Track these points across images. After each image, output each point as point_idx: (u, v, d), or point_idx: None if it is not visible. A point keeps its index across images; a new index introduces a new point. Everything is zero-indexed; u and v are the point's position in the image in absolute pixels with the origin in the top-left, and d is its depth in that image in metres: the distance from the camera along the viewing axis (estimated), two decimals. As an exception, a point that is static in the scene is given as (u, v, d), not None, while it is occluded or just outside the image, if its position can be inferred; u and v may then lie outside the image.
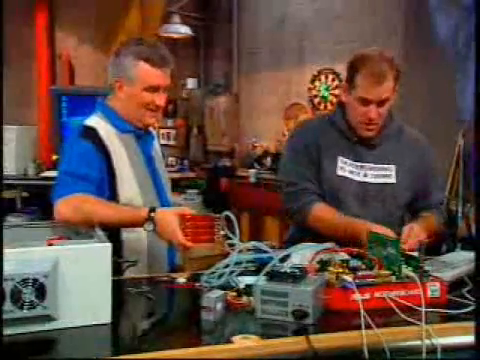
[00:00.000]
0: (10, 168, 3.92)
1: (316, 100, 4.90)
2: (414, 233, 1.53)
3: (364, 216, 1.66)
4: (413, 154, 1.77)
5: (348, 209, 1.69)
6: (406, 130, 1.82)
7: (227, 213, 1.39)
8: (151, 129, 1.75)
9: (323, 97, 4.86)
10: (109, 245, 1.10)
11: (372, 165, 1.73)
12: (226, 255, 1.36)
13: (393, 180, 1.73)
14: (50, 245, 1.17)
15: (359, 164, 1.72)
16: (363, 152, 1.73)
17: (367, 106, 1.63)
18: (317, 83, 4.88)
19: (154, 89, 1.58)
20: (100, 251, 1.09)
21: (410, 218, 1.81)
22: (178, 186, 4.95)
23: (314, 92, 4.91)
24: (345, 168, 1.72)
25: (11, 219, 3.43)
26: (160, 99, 1.59)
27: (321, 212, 1.69)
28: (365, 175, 1.72)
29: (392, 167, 1.74)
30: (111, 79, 1.61)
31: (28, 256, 1.03)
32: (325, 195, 1.73)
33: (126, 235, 1.55)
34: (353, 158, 1.73)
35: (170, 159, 5.38)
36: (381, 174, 1.73)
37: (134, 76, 1.56)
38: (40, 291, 1.00)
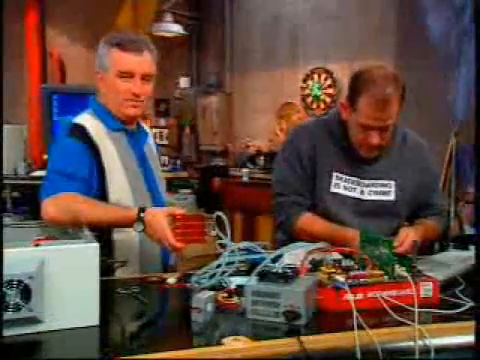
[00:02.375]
0: (0, 168, 3.88)
1: (308, 99, 4.90)
2: (409, 238, 1.47)
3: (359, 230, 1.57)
4: (415, 166, 1.69)
5: (344, 224, 1.62)
6: (409, 139, 1.73)
7: (218, 213, 1.37)
8: (144, 126, 1.72)
9: (315, 96, 4.86)
10: (97, 245, 1.08)
11: (370, 182, 1.65)
12: (218, 255, 1.34)
13: (392, 197, 1.65)
14: (37, 245, 1.15)
15: (355, 179, 1.65)
16: (361, 167, 1.65)
17: (369, 131, 1.54)
18: (310, 82, 4.89)
19: (128, 75, 1.52)
20: (87, 251, 1.07)
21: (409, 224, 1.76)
22: (171, 186, 4.93)
23: (307, 91, 4.92)
24: (340, 184, 1.64)
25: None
26: (137, 87, 1.52)
27: (306, 225, 1.63)
28: (362, 192, 1.64)
29: (392, 183, 1.66)
30: (95, 74, 1.59)
31: (13, 257, 1.00)
32: (319, 210, 1.65)
33: (117, 235, 1.52)
34: (350, 173, 1.64)
35: (163, 158, 5.36)
36: (379, 191, 1.65)
37: (107, 63, 1.53)
38: (25, 293, 0.98)
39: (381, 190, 1.65)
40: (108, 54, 1.53)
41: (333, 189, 1.64)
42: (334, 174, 1.64)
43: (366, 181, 1.65)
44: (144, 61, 1.53)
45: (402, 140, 1.71)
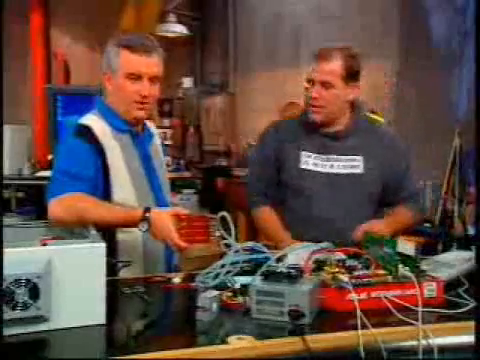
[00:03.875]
0: (4, 168, 3.90)
1: (312, 100, 4.90)
2: (375, 229, 1.56)
3: (333, 207, 1.71)
4: (383, 147, 1.78)
5: (317, 202, 1.72)
6: (375, 125, 1.89)
7: (223, 213, 1.38)
8: (150, 127, 1.72)
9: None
10: (103, 245, 1.09)
11: (339, 157, 1.75)
12: (222, 255, 1.35)
13: (361, 171, 1.74)
14: (44, 245, 1.16)
15: (325, 156, 1.75)
16: (331, 145, 1.75)
17: (312, 87, 1.71)
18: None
19: (137, 77, 1.52)
20: (94, 251, 1.08)
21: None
22: (174, 186, 4.94)
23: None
24: (309, 161, 1.75)
25: (5, 219, 3.40)
26: (145, 89, 1.52)
27: (259, 219, 1.82)
28: (331, 166, 1.74)
29: (360, 158, 1.75)
30: (101, 74, 1.59)
31: (21, 256, 1.01)
32: (292, 191, 1.78)
33: (121, 235, 1.53)
34: (319, 151, 1.75)
35: (166, 159, 5.37)
36: (348, 165, 1.74)
37: (116, 65, 1.53)
38: (33, 292, 0.99)
39: (350, 164, 1.75)
40: (117, 55, 1.54)
41: (302, 166, 1.75)
42: (302, 153, 1.76)
43: (335, 156, 1.75)
44: (153, 63, 1.54)
45: (368, 125, 1.85)
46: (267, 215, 1.82)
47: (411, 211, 1.82)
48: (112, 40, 1.58)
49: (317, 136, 1.76)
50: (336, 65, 1.67)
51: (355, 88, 1.72)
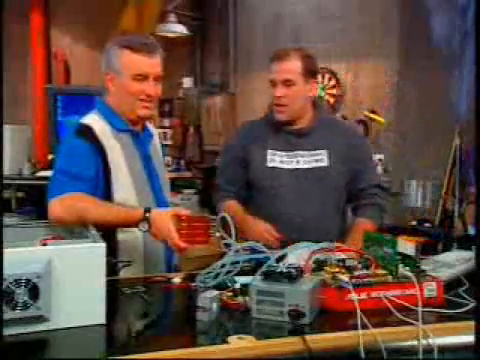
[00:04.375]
0: (5, 168, 3.90)
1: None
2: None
3: (300, 203, 1.77)
4: (345, 140, 1.85)
5: (284, 198, 1.78)
6: (338, 121, 2.03)
7: (223, 215, 1.38)
8: (150, 127, 1.72)
9: (319, 96, 4.85)
10: (103, 245, 1.09)
11: (304, 152, 1.81)
12: (223, 255, 1.35)
13: (326, 164, 1.81)
14: (44, 245, 1.16)
15: (291, 153, 1.81)
16: (296, 141, 1.82)
17: (274, 87, 1.76)
18: (313, 82, 4.88)
19: (142, 77, 1.54)
20: (94, 251, 1.08)
21: (352, 213, 1.90)
22: (174, 186, 4.93)
23: (310, 91, 4.91)
24: (275, 159, 1.81)
25: (5, 219, 3.40)
26: (150, 88, 1.55)
27: (227, 208, 1.79)
28: (297, 162, 1.81)
29: (324, 152, 1.82)
30: (103, 75, 1.60)
31: (21, 256, 1.01)
32: (260, 189, 1.82)
33: (122, 235, 1.53)
34: (285, 149, 1.81)
35: (166, 159, 5.37)
36: (313, 159, 1.81)
37: (120, 66, 1.54)
38: (33, 291, 0.99)
39: (315, 158, 1.82)
40: (119, 56, 1.54)
41: (269, 164, 1.81)
42: (269, 151, 1.82)
43: (300, 152, 1.82)
44: (156, 63, 1.56)
45: (330, 121, 1.94)
46: (232, 205, 1.85)
47: (371, 219, 1.83)
48: (112, 40, 1.58)
49: (282, 134, 1.83)
50: (294, 64, 1.75)
51: (314, 85, 1.81)
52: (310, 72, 1.78)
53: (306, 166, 1.80)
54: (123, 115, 1.59)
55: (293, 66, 1.75)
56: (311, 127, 1.83)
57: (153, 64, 1.55)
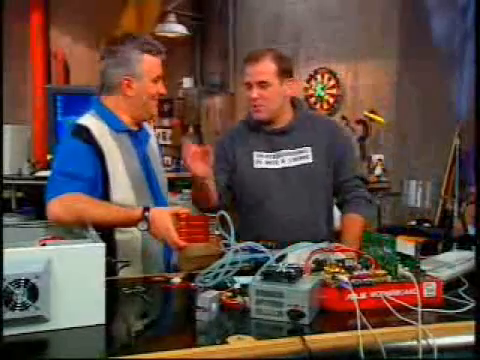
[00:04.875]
0: (4, 168, 3.89)
1: (312, 100, 4.90)
2: None
3: (289, 202, 1.78)
4: (327, 134, 1.87)
5: (272, 198, 1.79)
6: (318, 116, 2.03)
7: (222, 212, 1.38)
8: (147, 127, 1.73)
9: (319, 96, 4.86)
10: (103, 245, 1.09)
11: (289, 151, 1.83)
12: (222, 255, 1.35)
13: (310, 160, 1.83)
14: (43, 245, 1.16)
15: (276, 153, 1.83)
16: (278, 141, 1.84)
17: (250, 89, 1.78)
18: (313, 82, 4.88)
19: (158, 79, 1.63)
20: (93, 251, 1.08)
21: (339, 209, 1.90)
22: (174, 186, 4.93)
23: (310, 91, 4.91)
24: (261, 160, 1.83)
25: (5, 219, 3.39)
26: (163, 88, 1.65)
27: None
28: (283, 161, 1.82)
29: (308, 149, 1.84)
30: (115, 80, 1.58)
31: (20, 256, 1.01)
32: (248, 192, 1.82)
33: (119, 235, 1.53)
34: (269, 149, 1.83)
35: (166, 159, 5.36)
36: (299, 156, 1.83)
37: (142, 70, 1.59)
38: (32, 292, 0.99)
39: (299, 156, 1.83)
40: (141, 61, 1.58)
41: (256, 165, 1.83)
42: (254, 153, 1.84)
43: (285, 151, 1.83)
44: (163, 63, 1.65)
45: (310, 117, 1.95)
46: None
47: (359, 215, 1.82)
48: (124, 45, 1.58)
49: (265, 135, 1.85)
50: (268, 65, 1.77)
51: (291, 84, 1.82)
52: (284, 72, 1.80)
53: (292, 164, 1.82)
54: (134, 117, 1.63)
55: (267, 67, 1.77)
56: (292, 126, 1.85)
57: (162, 65, 1.64)
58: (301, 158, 1.82)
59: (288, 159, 1.82)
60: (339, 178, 1.87)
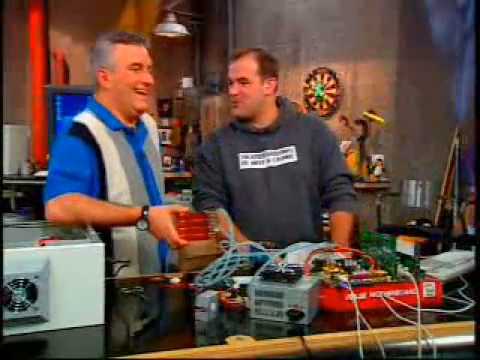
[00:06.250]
0: (4, 168, 3.89)
1: (311, 100, 4.90)
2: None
3: (273, 201, 1.79)
4: (311, 132, 1.88)
5: (257, 198, 1.81)
6: (302, 115, 2.06)
7: (221, 209, 1.38)
8: (146, 122, 1.71)
9: (318, 96, 4.86)
10: (102, 245, 1.09)
11: (273, 150, 1.84)
12: (221, 255, 1.35)
13: (295, 159, 1.84)
14: (42, 245, 1.16)
15: (261, 153, 1.84)
16: (263, 141, 1.85)
17: (231, 85, 1.83)
18: (312, 82, 4.88)
19: (138, 66, 1.57)
20: (93, 251, 1.08)
21: (325, 207, 1.90)
22: (173, 186, 4.93)
23: (309, 91, 4.91)
24: (247, 161, 1.84)
25: (5, 219, 3.39)
26: (147, 76, 1.58)
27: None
28: (268, 161, 1.84)
29: (292, 148, 1.85)
30: (94, 75, 1.60)
31: (19, 256, 1.01)
32: (236, 193, 1.83)
33: (116, 235, 1.53)
34: (254, 149, 1.85)
35: (165, 159, 5.36)
36: (283, 156, 1.84)
37: (115, 60, 1.56)
38: (31, 292, 0.99)
39: (284, 155, 1.85)
40: (113, 50, 1.56)
41: (242, 166, 1.84)
42: (240, 154, 1.85)
43: (269, 150, 1.84)
44: (147, 53, 1.60)
45: (295, 116, 1.94)
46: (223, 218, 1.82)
47: (345, 212, 1.82)
48: (100, 38, 1.61)
49: (249, 136, 1.86)
50: (249, 62, 1.81)
51: (272, 83, 1.85)
52: (267, 72, 1.83)
53: (277, 163, 1.83)
54: (121, 111, 1.60)
55: (248, 65, 1.81)
56: (276, 125, 1.86)
57: (145, 53, 1.60)
58: (285, 157, 1.84)
59: (273, 158, 1.83)
60: (324, 177, 1.87)
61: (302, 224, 1.83)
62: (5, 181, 3.78)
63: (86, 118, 1.57)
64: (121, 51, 1.56)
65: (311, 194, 1.86)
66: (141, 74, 1.57)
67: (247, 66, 1.81)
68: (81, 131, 1.52)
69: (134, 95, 1.58)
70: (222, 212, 1.41)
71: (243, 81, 1.80)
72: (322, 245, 1.36)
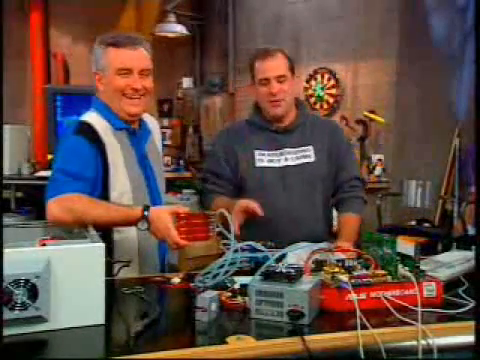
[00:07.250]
0: (4, 168, 3.89)
1: (312, 99, 4.90)
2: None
3: (291, 200, 1.80)
4: (327, 134, 1.90)
5: (272, 196, 1.80)
6: (319, 117, 2.11)
7: (221, 210, 1.38)
8: (148, 122, 1.71)
9: (319, 96, 4.86)
10: (102, 245, 1.09)
11: (291, 149, 1.85)
12: (221, 255, 1.35)
13: (313, 159, 1.85)
14: (43, 245, 1.16)
15: (278, 152, 1.84)
16: (282, 139, 1.85)
17: (268, 85, 1.79)
18: (313, 82, 4.88)
19: (126, 71, 1.53)
20: (93, 251, 1.08)
21: (335, 208, 1.92)
22: (174, 186, 4.93)
23: (310, 91, 4.91)
24: (263, 159, 1.84)
25: (5, 219, 3.39)
26: (136, 82, 1.53)
27: (215, 205, 1.78)
28: (285, 159, 1.84)
29: (310, 148, 1.86)
30: (93, 76, 1.60)
31: (20, 256, 1.01)
32: (250, 190, 1.83)
33: (117, 235, 1.53)
34: (272, 148, 1.84)
35: (166, 159, 5.36)
36: (301, 155, 1.85)
37: (104, 63, 1.55)
38: (32, 292, 0.99)
39: (302, 154, 1.85)
40: (104, 54, 1.55)
41: (258, 164, 1.83)
42: (256, 152, 1.84)
43: (287, 149, 1.85)
44: (140, 56, 1.55)
45: (312, 117, 1.98)
46: (219, 199, 1.83)
47: (355, 213, 1.85)
48: (97, 40, 1.59)
49: (267, 133, 1.86)
50: (282, 60, 1.81)
51: (297, 81, 1.93)
52: (293, 69, 1.84)
53: (294, 163, 1.83)
54: (116, 113, 1.59)
55: (282, 63, 1.81)
56: (296, 124, 1.87)
57: (137, 57, 1.54)
58: (303, 157, 1.84)
59: (291, 158, 1.84)
60: (339, 179, 1.89)
61: (315, 224, 1.83)
62: (5, 181, 3.78)
63: (92, 117, 1.56)
64: (111, 55, 1.54)
65: (325, 195, 1.87)
66: (130, 79, 1.53)
67: (282, 63, 1.80)
68: (87, 130, 1.52)
69: (124, 100, 1.55)
70: (223, 212, 1.41)
71: (282, 79, 1.79)
72: (322, 245, 1.36)
